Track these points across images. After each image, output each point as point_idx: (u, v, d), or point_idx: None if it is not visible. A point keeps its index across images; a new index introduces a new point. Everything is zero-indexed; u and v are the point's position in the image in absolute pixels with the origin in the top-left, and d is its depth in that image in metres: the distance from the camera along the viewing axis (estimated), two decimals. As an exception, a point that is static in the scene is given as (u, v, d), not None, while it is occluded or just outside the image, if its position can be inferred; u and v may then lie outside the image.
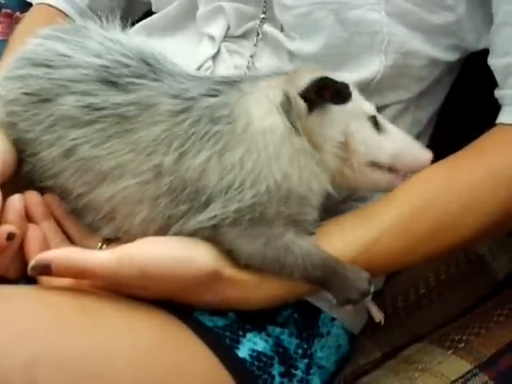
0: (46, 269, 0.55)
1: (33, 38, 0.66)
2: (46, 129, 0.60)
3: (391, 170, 0.62)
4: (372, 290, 0.59)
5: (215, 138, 0.57)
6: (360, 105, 0.62)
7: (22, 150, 0.62)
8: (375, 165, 0.62)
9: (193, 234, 0.58)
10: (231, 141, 0.57)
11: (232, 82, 0.61)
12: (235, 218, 0.57)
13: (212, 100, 0.58)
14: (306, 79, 0.60)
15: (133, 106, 0.58)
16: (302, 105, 0.59)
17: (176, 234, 0.58)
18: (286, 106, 0.59)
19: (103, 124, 0.58)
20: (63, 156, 0.60)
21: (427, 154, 0.63)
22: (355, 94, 0.62)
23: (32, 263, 0.55)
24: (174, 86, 0.59)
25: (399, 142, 0.62)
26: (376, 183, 0.63)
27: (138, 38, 0.66)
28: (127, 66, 0.60)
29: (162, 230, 0.58)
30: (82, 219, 0.62)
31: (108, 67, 0.60)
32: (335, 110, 0.60)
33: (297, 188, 0.58)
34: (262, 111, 0.59)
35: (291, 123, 0.59)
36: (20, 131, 0.62)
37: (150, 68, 0.60)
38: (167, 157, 0.57)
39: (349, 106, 0.60)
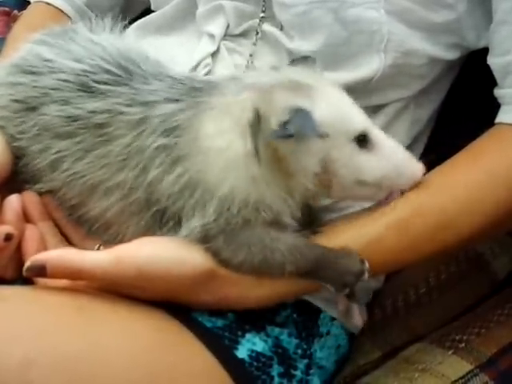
0: (41, 270, 0.55)
1: (25, 44, 0.66)
2: (33, 138, 0.61)
3: (380, 186, 0.59)
4: (367, 266, 0.58)
5: (165, 153, 0.56)
6: (345, 124, 0.57)
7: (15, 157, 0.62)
8: (363, 183, 0.58)
9: None
10: (177, 156, 0.56)
11: (200, 89, 0.58)
12: (207, 233, 0.56)
13: (168, 107, 0.57)
14: (281, 105, 0.54)
15: (105, 114, 0.58)
16: (273, 128, 0.54)
17: None
18: (255, 127, 0.55)
19: (81, 136, 0.58)
20: (50, 167, 0.60)
21: (417, 170, 0.60)
22: (344, 102, 0.58)
23: (27, 264, 0.55)
24: (140, 91, 0.58)
25: (387, 160, 0.58)
26: (366, 198, 0.61)
27: (126, 40, 0.65)
28: (107, 71, 0.60)
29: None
30: (80, 227, 0.62)
31: (88, 71, 0.60)
32: (313, 138, 0.55)
33: (247, 210, 0.56)
34: (215, 129, 0.56)
35: (255, 148, 0.55)
36: (10, 136, 0.62)
37: (126, 72, 0.60)
38: (130, 173, 0.57)
39: (330, 131, 0.56)
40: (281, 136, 0.54)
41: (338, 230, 0.60)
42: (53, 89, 0.60)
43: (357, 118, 0.58)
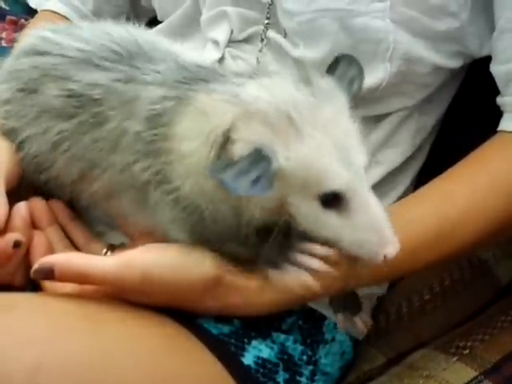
0: (49, 272, 0.55)
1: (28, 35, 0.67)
2: (33, 121, 0.61)
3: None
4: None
5: (141, 141, 0.55)
6: (312, 180, 0.50)
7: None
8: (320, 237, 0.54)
9: None
10: (149, 147, 0.55)
11: (199, 80, 0.55)
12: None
13: (156, 92, 0.55)
14: (251, 137, 0.50)
15: (100, 89, 0.58)
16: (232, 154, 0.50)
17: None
18: (221, 146, 0.51)
19: (79, 117, 0.58)
20: (52, 148, 0.60)
21: (388, 252, 0.52)
22: (328, 155, 0.50)
23: (35, 267, 0.55)
24: (139, 69, 0.57)
25: (356, 231, 0.52)
26: None
27: (132, 29, 0.64)
28: (112, 50, 0.59)
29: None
30: (86, 231, 0.63)
31: (93, 52, 0.60)
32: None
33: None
34: (188, 130, 0.53)
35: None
36: (15, 131, 0.63)
37: (131, 54, 0.59)
38: (119, 155, 0.57)
39: (292, 181, 0.50)
40: (214, 177, 0.49)
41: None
42: (54, 65, 0.61)
43: (333, 176, 0.50)
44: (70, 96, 0.59)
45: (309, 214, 0.52)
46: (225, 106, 0.52)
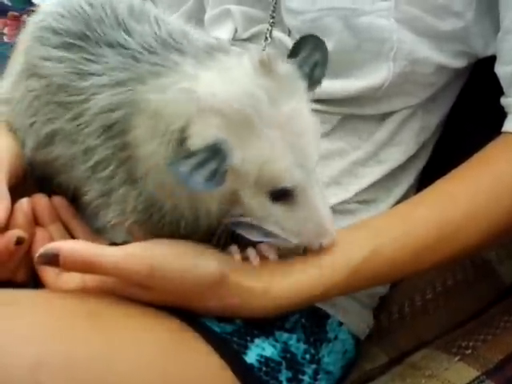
0: (53, 258, 0.54)
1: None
2: (17, 85, 0.63)
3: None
4: None
5: (101, 148, 0.56)
6: (265, 176, 0.51)
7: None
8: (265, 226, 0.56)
9: None
10: (109, 155, 0.56)
11: (150, 73, 0.54)
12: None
13: (106, 99, 0.55)
14: (208, 133, 0.50)
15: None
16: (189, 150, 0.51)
17: None
18: (177, 143, 0.51)
19: (49, 79, 0.59)
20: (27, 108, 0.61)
21: (322, 242, 0.56)
22: (280, 152, 0.51)
23: (40, 251, 0.55)
24: (89, 62, 0.57)
25: (298, 222, 0.54)
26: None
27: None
28: (80, 29, 0.58)
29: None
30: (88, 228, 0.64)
31: (68, 28, 0.59)
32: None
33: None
34: (145, 134, 0.53)
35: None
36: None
37: (91, 34, 0.58)
38: (78, 146, 0.58)
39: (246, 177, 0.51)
40: (172, 170, 0.49)
41: (341, 240, 0.59)
42: (39, 30, 0.61)
43: (285, 176, 0.52)
44: (45, 59, 0.59)
45: (257, 206, 0.54)
46: (178, 103, 0.51)
